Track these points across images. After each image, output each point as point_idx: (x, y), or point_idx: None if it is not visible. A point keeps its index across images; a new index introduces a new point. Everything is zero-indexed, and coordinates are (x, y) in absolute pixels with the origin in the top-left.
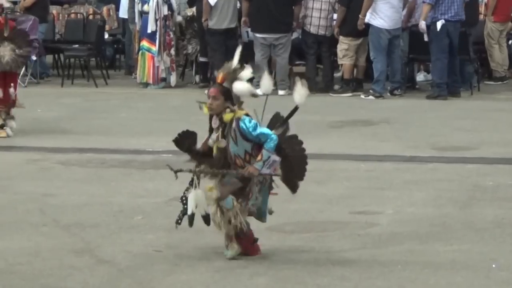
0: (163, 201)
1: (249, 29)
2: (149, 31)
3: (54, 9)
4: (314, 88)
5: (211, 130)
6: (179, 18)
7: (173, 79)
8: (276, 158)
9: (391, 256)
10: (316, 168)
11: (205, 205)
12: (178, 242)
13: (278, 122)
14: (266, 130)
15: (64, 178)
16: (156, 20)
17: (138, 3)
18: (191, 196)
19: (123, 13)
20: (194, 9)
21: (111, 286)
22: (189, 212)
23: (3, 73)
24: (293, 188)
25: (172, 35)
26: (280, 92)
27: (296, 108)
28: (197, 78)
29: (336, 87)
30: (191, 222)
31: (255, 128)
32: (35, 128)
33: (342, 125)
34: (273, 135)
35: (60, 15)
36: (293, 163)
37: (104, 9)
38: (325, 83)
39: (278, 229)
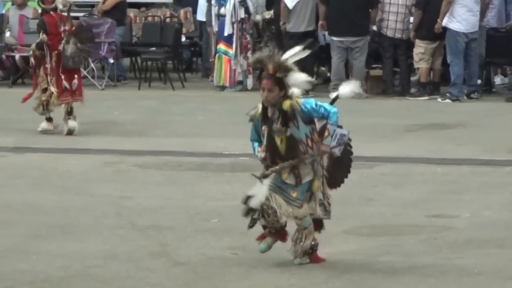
0: (239, 204)
1: (326, 32)
2: (225, 34)
3: (131, 12)
4: (391, 91)
5: (267, 122)
6: (258, 17)
7: (249, 82)
8: (343, 131)
9: (467, 260)
10: (392, 171)
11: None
12: (255, 245)
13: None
14: (326, 105)
15: (140, 181)
16: (232, 23)
17: (215, 6)
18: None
19: (201, 16)
20: (271, 12)
21: None
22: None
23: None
24: (335, 184)
25: (248, 38)
26: None
27: (336, 98)
28: None
29: (413, 90)
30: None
31: (316, 105)
32: (112, 131)
33: (418, 128)
34: (333, 108)
35: (138, 18)
36: (339, 160)
37: (181, 12)
38: (401, 86)
39: (354, 232)
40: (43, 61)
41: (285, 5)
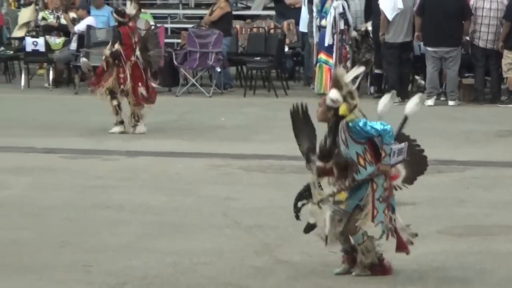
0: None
1: (421, 43)
2: (326, 44)
3: (237, 24)
4: (482, 99)
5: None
6: (354, 33)
7: None
8: (399, 145)
9: None
10: (483, 175)
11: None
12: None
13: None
14: (377, 125)
15: (245, 183)
16: (333, 34)
17: (317, 18)
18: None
19: (303, 27)
20: (368, 24)
21: (289, 285)
22: (311, 221)
23: (140, 72)
24: (411, 181)
25: (348, 48)
26: (450, 103)
27: (405, 119)
28: (372, 89)
29: (503, 98)
30: (308, 230)
31: (365, 125)
32: (219, 135)
33: (508, 134)
34: (385, 127)
35: (243, 29)
36: (413, 163)
37: (285, 23)
38: (492, 94)
39: (447, 232)
40: (115, 70)
41: (385, 16)
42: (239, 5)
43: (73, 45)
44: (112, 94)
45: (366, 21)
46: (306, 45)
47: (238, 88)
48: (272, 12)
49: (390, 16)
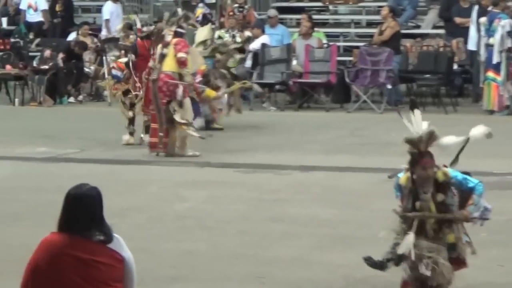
0: (507, 219)
1: None
2: (494, 62)
3: (408, 42)
4: None
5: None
6: None
7: None
8: (488, 206)
9: None
10: None
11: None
12: None
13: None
14: (472, 178)
15: None
16: (500, 52)
17: (485, 37)
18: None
19: (471, 45)
20: None
21: None
22: (400, 251)
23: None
24: None
25: None
26: None
27: (467, 140)
28: None
29: None
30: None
31: (463, 178)
32: (390, 151)
33: None
34: (480, 182)
35: (413, 47)
36: None
37: (454, 42)
38: None
39: None
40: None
41: None
42: (409, 24)
43: (248, 63)
44: (132, 105)
45: None
46: (475, 62)
47: (407, 104)
48: (442, 31)
49: None
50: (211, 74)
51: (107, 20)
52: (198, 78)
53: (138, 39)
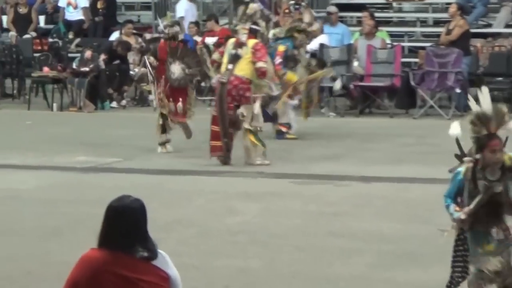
0: None
1: None
2: None
3: (478, 42)
4: None
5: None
6: None
7: None
8: None
9: None
10: None
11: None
12: None
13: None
14: None
15: None
16: None
17: None
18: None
19: None
20: None
21: None
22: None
23: (174, 89)
24: None
25: None
26: None
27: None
28: None
29: None
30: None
31: None
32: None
33: None
34: None
35: (484, 48)
36: None
37: None
38: None
39: None
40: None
41: None
42: (479, 22)
43: None
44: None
45: None
46: None
47: None
48: None
49: None
50: (308, 62)
51: (182, 18)
52: (278, 60)
53: (162, 40)
